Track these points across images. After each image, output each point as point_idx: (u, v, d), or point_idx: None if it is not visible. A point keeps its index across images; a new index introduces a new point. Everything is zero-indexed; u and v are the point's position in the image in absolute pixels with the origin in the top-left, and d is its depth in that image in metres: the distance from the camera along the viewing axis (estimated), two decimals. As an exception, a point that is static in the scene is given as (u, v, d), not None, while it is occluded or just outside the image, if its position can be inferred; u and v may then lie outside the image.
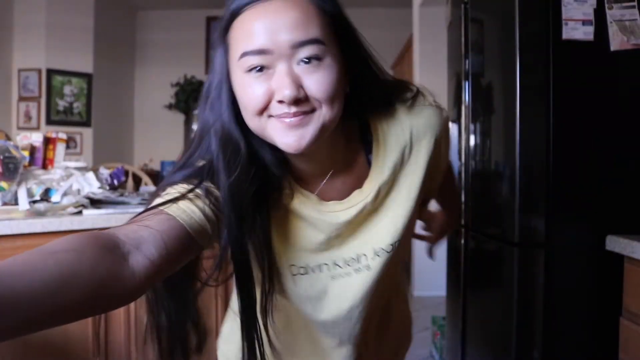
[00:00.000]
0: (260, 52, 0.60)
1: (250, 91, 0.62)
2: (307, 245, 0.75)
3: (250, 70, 0.61)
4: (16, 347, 1.56)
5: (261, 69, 0.61)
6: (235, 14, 0.63)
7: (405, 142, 0.73)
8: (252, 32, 0.60)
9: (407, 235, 0.77)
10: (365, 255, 0.76)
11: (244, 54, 0.61)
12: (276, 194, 0.72)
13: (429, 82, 3.76)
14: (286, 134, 0.62)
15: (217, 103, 0.69)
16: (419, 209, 0.80)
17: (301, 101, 0.61)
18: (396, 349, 1.03)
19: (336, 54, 0.64)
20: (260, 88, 0.61)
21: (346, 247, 0.76)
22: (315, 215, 0.73)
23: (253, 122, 0.65)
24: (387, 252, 0.75)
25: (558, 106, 1.61)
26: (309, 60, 0.61)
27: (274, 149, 0.67)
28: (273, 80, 0.61)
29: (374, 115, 0.73)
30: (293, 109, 0.61)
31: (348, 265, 0.77)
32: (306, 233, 0.74)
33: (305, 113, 0.62)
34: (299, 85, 0.60)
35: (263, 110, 0.62)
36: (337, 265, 0.77)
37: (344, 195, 0.74)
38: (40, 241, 1.59)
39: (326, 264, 0.77)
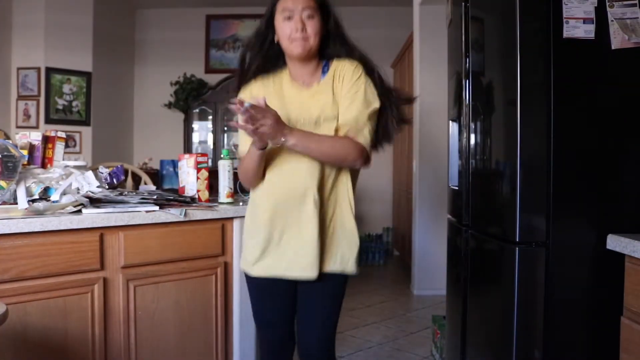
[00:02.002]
0: (289, 9, 1.48)
1: (284, 26, 1.49)
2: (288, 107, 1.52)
3: (284, 19, 1.48)
4: (16, 346, 1.56)
5: (289, 18, 1.48)
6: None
7: (335, 71, 1.54)
8: (287, 4, 1.49)
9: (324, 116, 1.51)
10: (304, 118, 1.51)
11: (283, 10, 1.49)
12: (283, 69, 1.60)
13: (429, 80, 3.80)
14: (296, 48, 1.49)
15: (263, 30, 1.58)
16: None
17: (304, 33, 1.47)
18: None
19: (319, 18, 1.50)
20: (289, 26, 1.48)
21: (301, 111, 1.51)
22: (292, 90, 1.56)
23: (283, 41, 1.51)
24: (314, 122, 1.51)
25: (559, 105, 1.60)
26: (308, 16, 1.48)
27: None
28: (293, 22, 1.47)
29: (332, 53, 1.57)
30: (299, 35, 1.47)
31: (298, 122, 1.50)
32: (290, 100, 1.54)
33: (304, 39, 1.48)
34: (303, 25, 1.47)
35: (288, 36, 1.49)
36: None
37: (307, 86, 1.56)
38: (40, 240, 1.59)
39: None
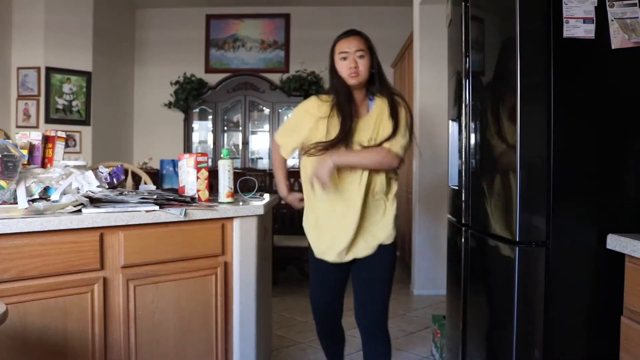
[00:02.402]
0: (345, 52, 1.96)
1: (343, 64, 1.96)
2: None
3: (341, 59, 1.97)
4: (16, 346, 1.56)
5: (345, 58, 1.96)
6: (337, 41, 2.01)
7: (383, 105, 2.00)
8: (343, 46, 1.98)
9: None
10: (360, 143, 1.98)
11: (340, 52, 1.97)
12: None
13: (429, 80, 3.80)
14: (351, 79, 1.95)
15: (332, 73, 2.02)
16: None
17: (357, 69, 1.94)
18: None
19: (368, 58, 1.98)
20: (345, 65, 1.95)
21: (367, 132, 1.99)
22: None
23: (343, 75, 1.96)
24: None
25: (559, 104, 1.60)
26: (359, 56, 1.96)
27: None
28: (348, 61, 1.95)
29: (377, 87, 2.03)
30: (354, 71, 1.94)
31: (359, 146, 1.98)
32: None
33: (357, 74, 1.95)
34: (356, 64, 1.94)
35: (347, 73, 1.95)
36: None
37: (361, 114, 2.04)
38: (40, 240, 1.59)
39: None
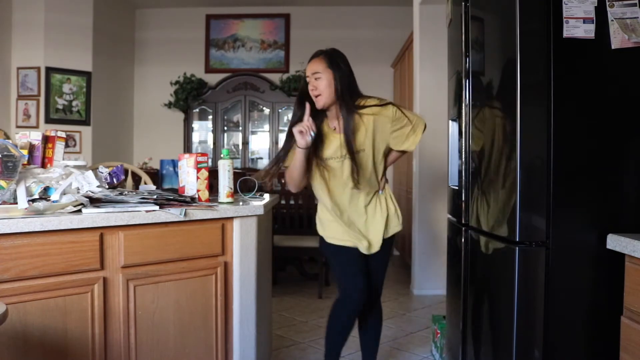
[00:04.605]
0: (307, 77, 2.11)
1: (309, 87, 2.09)
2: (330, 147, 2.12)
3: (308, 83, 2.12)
4: (16, 346, 1.56)
5: (308, 82, 2.11)
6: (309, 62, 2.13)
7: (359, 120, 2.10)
8: (306, 70, 2.11)
9: (365, 147, 2.13)
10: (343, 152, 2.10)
11: (307, 77, 2.12)
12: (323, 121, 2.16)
13: (429, 80, 3.80)
14: (316, 103, 2.09)
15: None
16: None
17: (315, 91, 2.08)
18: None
19: (328, 76, 2.06)
20: (309, 89, 2.10)
21: (336, 149, 2.12)
22: (328, 132, 2.16)
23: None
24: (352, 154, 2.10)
25: (559, 104, 1.60)
26: (315, 78, 2.08)
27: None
28: (310, 85, 2.09)
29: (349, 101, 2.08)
30: (316, 93, 2.07)
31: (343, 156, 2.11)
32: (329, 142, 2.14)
33: (316, 96, 2.08)
34: (314, 87, 2.08)
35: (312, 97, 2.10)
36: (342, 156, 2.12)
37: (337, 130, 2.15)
38: (40, 240, 1.59)
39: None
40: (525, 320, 1.64)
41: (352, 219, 2.20)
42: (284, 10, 6.52)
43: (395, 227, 2.26)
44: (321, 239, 2.26)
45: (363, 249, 2.18)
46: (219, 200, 2.12)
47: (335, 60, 2.06)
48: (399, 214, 2.28)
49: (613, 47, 1.60)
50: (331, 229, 2.22)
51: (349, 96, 2.05)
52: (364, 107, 2.08)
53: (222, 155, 2.13)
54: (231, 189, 2.13)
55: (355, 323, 2.27)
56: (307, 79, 2.08)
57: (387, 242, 2.24)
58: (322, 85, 2.03)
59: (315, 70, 2.05)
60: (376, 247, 2.21)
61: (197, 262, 1.96)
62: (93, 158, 5.48)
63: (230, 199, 2.12)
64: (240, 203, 2.13)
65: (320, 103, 2.06)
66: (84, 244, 1.68)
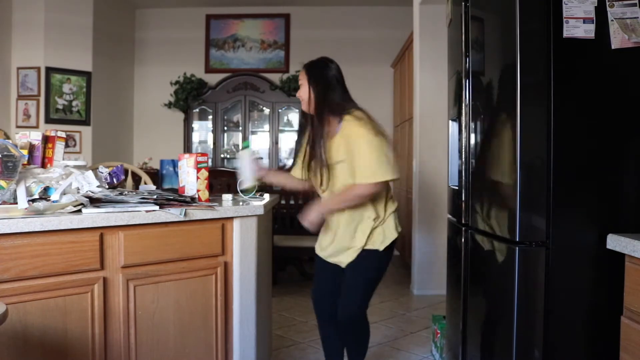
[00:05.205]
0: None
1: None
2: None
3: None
4: (16, 346, 1.56)
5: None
6: None
7: (344, 130, 2.10)
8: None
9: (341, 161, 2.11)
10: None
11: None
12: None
13: (429, 80, 3.79)
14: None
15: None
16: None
17: (300, 98, 2.19)
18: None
19: (307, 86, 2.15)
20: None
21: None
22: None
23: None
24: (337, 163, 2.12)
25: (559, 104, 1.60)
26: (300, 86, 2.20)
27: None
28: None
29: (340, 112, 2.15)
30: (303, 105, 2.20)
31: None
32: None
33: (302, 103, 2.20)
34: (299, 94, 2.20)
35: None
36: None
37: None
38: (40, 240, 1.59)
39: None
40: (525, 320, 1.64)
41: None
42: (284, 10, 6.51)
43: (349, 254, 2.16)
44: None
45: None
46: (244, 187, 2.28)
47: (314, 72, 2.15)
48: (362, 247, 2.13)
49: (613, 47, 1.60)
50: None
51: (323, 107, 2.11)
52: (342, 120, 2.10)
53: (241, 147, 2.34)
54: (254, 175, 2.28)
55: (329, 332, 2.32)
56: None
57: (354, 261, 2.16)
58: (303, 95, 2.16)
59: (300, 80, 2.19)
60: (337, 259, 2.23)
61: (197, 262, 1.96)
62: (93, 158, 5.47)
63: (255, 183, 2.29)
64: (240, 203, 2.13)
65: (304, 108, 2.20)
66: (84, 244, 1.68)
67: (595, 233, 1.59)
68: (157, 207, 1.83)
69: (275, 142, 6.28)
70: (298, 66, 2.47)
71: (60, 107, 5.49)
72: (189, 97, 6.23)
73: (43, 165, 1.98)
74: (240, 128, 6.38)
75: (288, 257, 4.54)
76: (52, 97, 5.42)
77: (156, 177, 5.22)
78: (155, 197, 1.88)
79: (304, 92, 2.15)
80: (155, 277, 1.86)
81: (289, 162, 6.32)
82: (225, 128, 6.45)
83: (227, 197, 2.21)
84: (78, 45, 5.49)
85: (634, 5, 1.60)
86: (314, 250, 2.33)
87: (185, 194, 2.07)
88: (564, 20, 1.59)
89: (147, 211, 1.80)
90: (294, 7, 6.49)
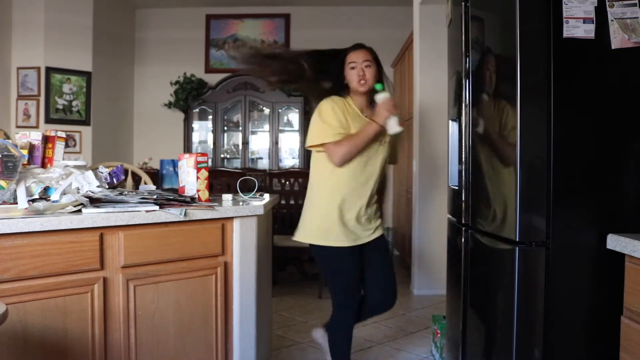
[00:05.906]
0: (354, 62, 2.23)
1: (352, 73, 2.22)
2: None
3: (350, 68, 2.23)
4: (16, 346, 1.56)
5: (353, 67, 2.22)
6: (349, 51, 2.27)
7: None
8: (352, 58, 2.24)
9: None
10: None
11: (350, 62, 2.24)
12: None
13: (429, 80, 3.80)
14: (360, 87, 2.21)
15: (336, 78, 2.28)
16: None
17: (364, 77, 2.20)
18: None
19: (374, 67, 2.23)
20: (355, 73, 2.21)
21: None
22: (358, 116, 2.24)
23: (352, 83, 2.22)
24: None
25: (559, 104, 1.60)
26: (366, 66, 2.21)
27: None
28: (357, 69, 2.21)
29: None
30: (362, 80, 2.20)
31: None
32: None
33: (365, 81, 2.21)
34: (363, 73, 2.20)
35: (355, 81, 2.22)
36: None
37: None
38: (40, 240, 1.59)
39: None
40: (525, 320, 1.64)
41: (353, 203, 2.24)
42: (284, 10, 6.52)
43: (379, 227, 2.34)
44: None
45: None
46: (393, 132, 2.13)
47: (377, 55, 2.29)
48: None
49: (613, 47, 1.60)
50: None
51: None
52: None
53: (377, 89, 2.21)
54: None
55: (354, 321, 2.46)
56: (352, 64, 2.21)
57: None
58: (369, 74, 2.19)
59: (367, 59, 2.21)
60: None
61: (197, 262, 1.96)
62: (93, 158, 5.47)
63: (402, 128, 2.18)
64: (240, 203, 2.13)
65: (364, 88, 2.20)
66: (84, 244, 1.68)
67: (595, 233, 1.59)
68: (157, 207, 1.83)
69: (275, 142, 6.28)
70: (298, 66, 2.43)
71: (60, 107, 5.49)
72: (189, 97, 6.23)
73: (43, 165, 1.98)
74: (240, 128, 6.38)
75: (288, 257, 4.54)
76: (52, 97, 5.42)
77: (156, 177, 5.23)
78: (155, 197, 1.88)
79: (373, 70, 2.21)
80: (155, 277, 1.86)
81: (289, 162, 6.33)
82: (225, 128, 6.45)
83: (227, 197, 2.21)
84: (78, 45, 5.49)
85: (634, 5, 1.60)
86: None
87: (185, 194, 2.07)
88: (564, 20, 1.59)
89: (147, 211, 1.80)
90: (294, 7, 6.49)
